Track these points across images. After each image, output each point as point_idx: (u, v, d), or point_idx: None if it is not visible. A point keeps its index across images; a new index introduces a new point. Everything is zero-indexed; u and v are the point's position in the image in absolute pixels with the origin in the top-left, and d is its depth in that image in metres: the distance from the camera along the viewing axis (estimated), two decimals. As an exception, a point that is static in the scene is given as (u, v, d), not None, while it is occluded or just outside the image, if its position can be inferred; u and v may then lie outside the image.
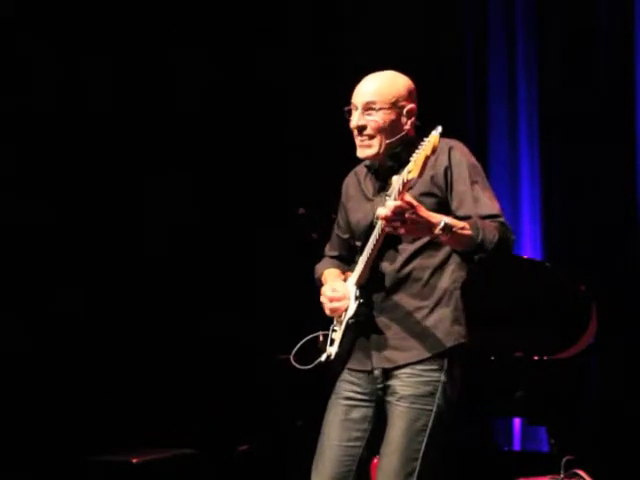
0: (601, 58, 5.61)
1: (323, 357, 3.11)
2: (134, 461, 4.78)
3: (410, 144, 3.01)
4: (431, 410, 2.97)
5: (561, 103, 5.73)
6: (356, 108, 3.07)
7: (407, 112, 3.07)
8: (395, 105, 3.05)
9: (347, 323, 3.06)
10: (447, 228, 2.80)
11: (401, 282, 3.03)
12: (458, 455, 4.63)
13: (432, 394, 2.98)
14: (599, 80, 5.60)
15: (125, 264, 5.58)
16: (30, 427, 5.13)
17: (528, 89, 5.88)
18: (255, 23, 5.99)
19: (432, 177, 3.01)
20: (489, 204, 2.99)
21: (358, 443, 3.07)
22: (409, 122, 3.08)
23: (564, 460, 4.29)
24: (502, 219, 2.97)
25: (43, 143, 5.34)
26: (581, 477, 4.26)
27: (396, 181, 2.81)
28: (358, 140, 3.09)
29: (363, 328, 3.07)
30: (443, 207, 2.99)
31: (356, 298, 3.05)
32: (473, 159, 3.07)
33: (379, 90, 3.05)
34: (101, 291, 5.49)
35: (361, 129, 3.06)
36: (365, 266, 3.04)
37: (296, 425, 4.84)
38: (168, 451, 5.02)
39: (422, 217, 2.78)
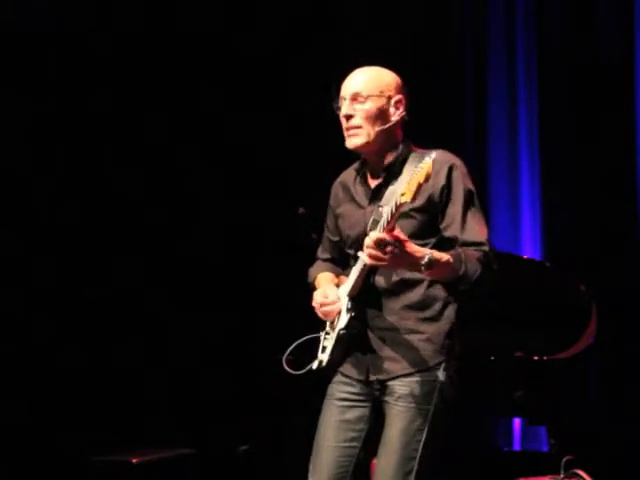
0: (602, 58, 5.61)
1: (315, 364, 3.09)
2: (134, 461, 4.79)
3: (403, 159, 3.05)
4: (429, 410, 2.97)
5: (561, 103, 5.73)
6: (344, 100, 3.10)
7: (395, 102, 3.09)
8: (382, 94, 3.07)
9: (338, 334, 3.05)
10: (431, 264, 2.81)
11: (396, 294, 3.03)
12: (458, 455, 4.63)
13: (430, 394, 2.98)
14: (599, 81, 5.60)
15: (120, 268, 5.59)
16: (30, 427, 5.13)
17: (528, 89, 5.88)
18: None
19: (430, 195, 3.01)
20: (476, 230, 2.99)
21: (354, 443, 3.08)
22: (397, 113, 3.09)
23: (564, 460, 4.28)
24: (486, 247, 2.97)
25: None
26: (581, 477, 4.26)
27: (388, 203, 2.80)
28: (346, 131, 3.09)
29: (356, 339, 3.06)
30: (434, 223, 3.01)
31: (347, 310, 3.04)
32: (470, 182, 3.06)
33: (366, 80, 3.09)
34: (100, 290, 5.50)
35: (348, 118, 3.07)
36: (358, 279, 3.03)
37: (295, 425, 4.84)
38: (168, 451, 5.02)
39: (407, 252, 2.79)
